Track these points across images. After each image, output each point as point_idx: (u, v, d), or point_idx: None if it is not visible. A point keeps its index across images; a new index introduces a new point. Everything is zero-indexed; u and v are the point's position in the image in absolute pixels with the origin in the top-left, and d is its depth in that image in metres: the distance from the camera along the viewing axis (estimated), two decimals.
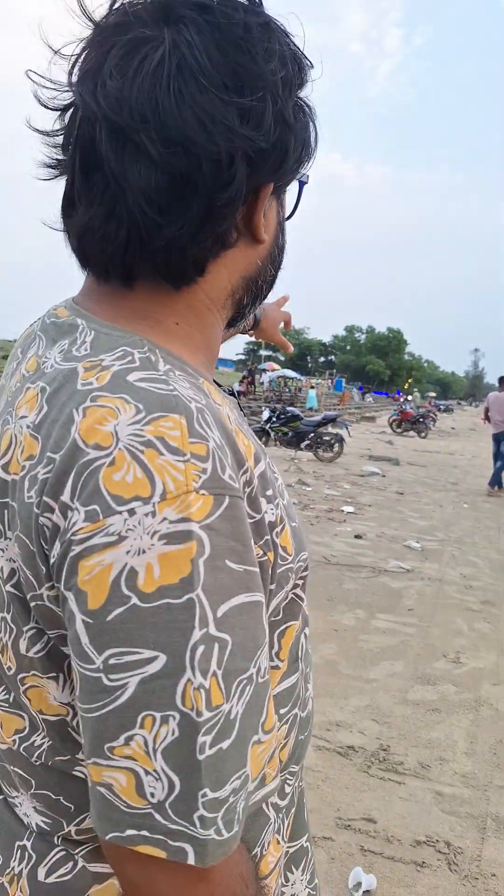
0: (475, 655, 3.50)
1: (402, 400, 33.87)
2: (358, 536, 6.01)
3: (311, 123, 0.57)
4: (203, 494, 0.43)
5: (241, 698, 0.44)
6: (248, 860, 0.49)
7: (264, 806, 0.61)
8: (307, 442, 11.69)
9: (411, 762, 2.43)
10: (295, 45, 0.55)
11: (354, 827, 2.05)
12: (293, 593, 0.63)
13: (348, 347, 68.96)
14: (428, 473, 11.45)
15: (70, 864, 0.54)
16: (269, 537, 0.53)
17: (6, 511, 0.49)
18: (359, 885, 1.78)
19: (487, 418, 9.49)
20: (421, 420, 21.00)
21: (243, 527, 0.46)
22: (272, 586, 0.55)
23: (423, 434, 20.52)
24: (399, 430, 20.71)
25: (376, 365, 63.65)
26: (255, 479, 0.52)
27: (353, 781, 2.29)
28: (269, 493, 0.54)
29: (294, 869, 0.73)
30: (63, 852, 0.54)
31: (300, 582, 0.63)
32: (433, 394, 62.20)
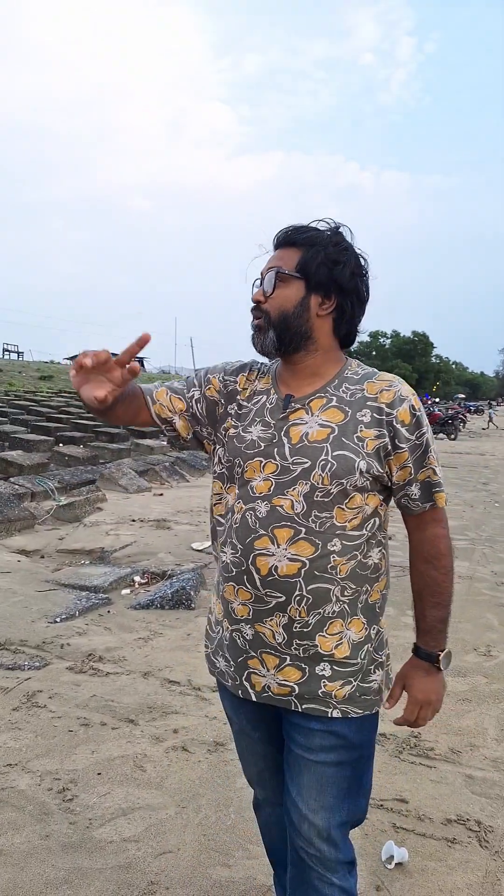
0: None
1: (429, 402, 33.52)
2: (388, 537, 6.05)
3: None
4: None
5: None
6: None
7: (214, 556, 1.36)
8: None
9: (442, 748, 2.50)
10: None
11: (387, 806, 2.14)
12: (221, 467, 1.29)
13: (374, 353, 68.62)
14: (458, 474, 11.39)
15: None
16: (197, 410, 1.32)
17: None
18: (391, 857, 1.87)
19: None
20: (450, 422, 20.81)
21: (217, 367, 1.36)
22: (205, 421, 1.33)
23: (452, 436, 20.33)
24: None
25: (403, 369, 63.09)
26: (237, 387, 1.31)
27: (385, 766, 2.37)
28: (234, 406, 1.30)
29: (220, 654, 1.31)
30: None
31: (226, 464, 1.27)
32: (462, 395, 61.38)
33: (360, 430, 1.17)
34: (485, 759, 2.45)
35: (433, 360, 71.92)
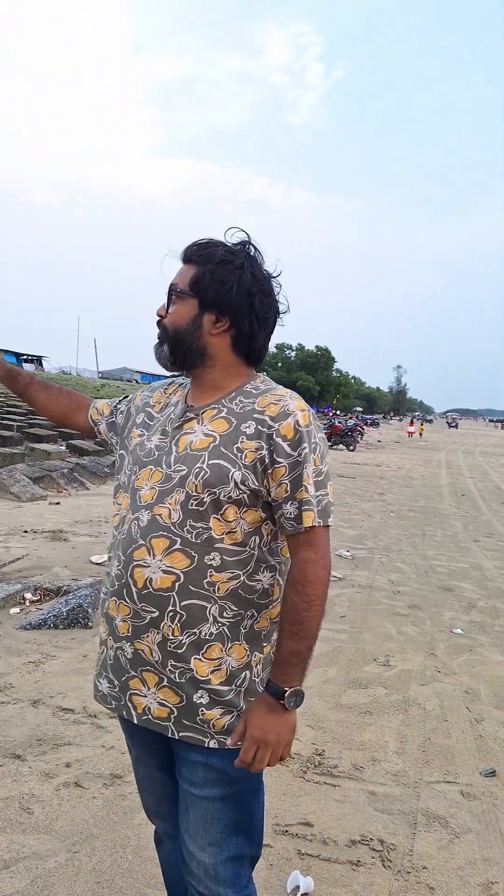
0: (404, 658, 3.63)
1: (330, 414, 34.75)
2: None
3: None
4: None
5: None
6: None
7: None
8: None
9: (345, 765, 2.49)
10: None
11: (291, 832, 2.08)
12: (123, 476, 1.29)
13: (279, 364, 70.16)
14: (356, 485, 11.80)
15: None
16: (118, 420, 1.42)
17: None
18: (297, 888, 1.81)
19: None
20: (349, 433, 21.62)
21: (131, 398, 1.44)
22: (119, 430, 1.41)
23: (351, 447, 21.13)
24: (329, 444, 21.19)
25: (306, 381, 65.02)
26: (151, 400, 1.36)
27: (290, 788, 2.32)
28: (142, 416, 1.33)
29: (104, 675, 1.26)
30: None
31: (127, 473, 1.27)
32: (360, 408, 64.22)
33: (241, 442, 1.15)
34: (386, 774, 2.46)
35: (334, 373, 74.67)
